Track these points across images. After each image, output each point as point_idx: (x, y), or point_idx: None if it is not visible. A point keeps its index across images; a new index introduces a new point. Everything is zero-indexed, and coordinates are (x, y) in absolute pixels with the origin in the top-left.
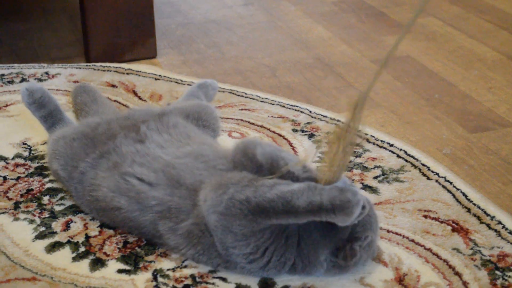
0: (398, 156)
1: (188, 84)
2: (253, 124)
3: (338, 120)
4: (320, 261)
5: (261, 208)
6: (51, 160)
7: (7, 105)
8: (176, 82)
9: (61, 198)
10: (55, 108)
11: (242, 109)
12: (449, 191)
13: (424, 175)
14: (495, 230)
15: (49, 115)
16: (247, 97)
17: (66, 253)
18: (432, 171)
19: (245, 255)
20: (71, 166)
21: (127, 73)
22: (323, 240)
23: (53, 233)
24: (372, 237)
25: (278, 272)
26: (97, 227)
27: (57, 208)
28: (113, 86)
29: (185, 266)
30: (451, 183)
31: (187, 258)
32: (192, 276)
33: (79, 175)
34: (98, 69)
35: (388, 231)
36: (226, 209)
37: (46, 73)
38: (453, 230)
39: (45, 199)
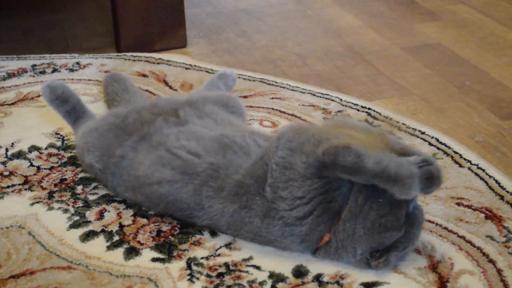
0: (430, 143)
1: None
2: (284, 112)
3: (369, 108)
4: (355, 253)
5: (332, 152)
6: (83, 153)
7: (39, 96)
8: (207, 72)
9: (95, 188)
10: (77, 103)
11: (272, 98)
12: (481, 178)
13: (457, 162)
14: None
15: (72, 110)
16: (277, 85)
17: (100, 242)
18: (464, 159)
19: (292, 199)
20: (107, 156)
21: (158, 63)
22: (367, 237)
23: (87, 222)
24: (409, 250)
25: (311, 243)
26: (131, 216)
27: (91, 198)
28: (144, 75)
29: (219, 255)
30: (483, 170)
31: (225, 225)
32: (226, 264)
33: (117, 159)
34: (129, 59)
35: None
36: (299, 145)
37: (77, 63)
38: (486, 217)
39: (79, 188)
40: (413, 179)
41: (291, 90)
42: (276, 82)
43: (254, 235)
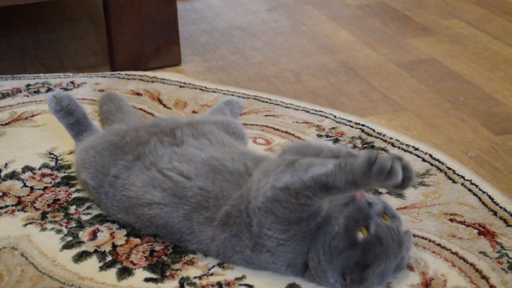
0: (424, 160)
1: (212, 91)
2: (278, 130)
3: (363, 125)
4: (328, 280)
5: (301, 194)
6: (80, 170)
7: (33, 115)
8: (201, 89)
9: (88, 208)
10: (82, 116)
11: (266, 115)
12: (475, 194)
13: (450, 178)
14: None
15: (76, 122)
16: (271, 103)
17: (93, 262)
18: (458, 174)
19: (278, 239)
20: (102, 174)
21: (152, 81)
22: (328, 263)
23: (80, 242)
24: (386, 266)
25: (297, 267)
26: (124, 236)
27: (84, 218)
28: (138, 94)
29: (212, 274)
30: (477, 186)
31: (215, 251)
32: (219, 284)
33: (111, 178)
34: (123, 78)
35: (414, 235)
36: (272, 195)
37: (72, 82)
38: (480, 233)
39: (72, 208)
40: (386, 162)
41: (285, 107)
42: (270, 100)
43: (246, 263)
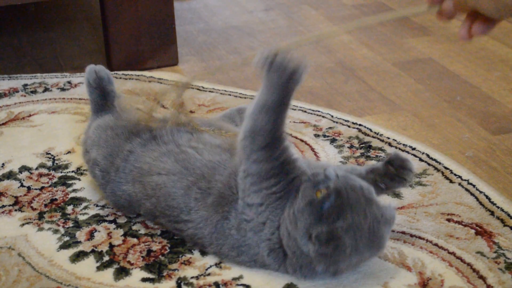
0: (421, 159)
1: (209, 91)
2: None
3: (360, 124)
4: (304, 253)
5: (258, 126)
6: (91, 147)
7: (30, 115)
8: (198, 89)
9: (85, 208)
10: (111, 97)
11: None
12: (472, 194)
13: (447, 178)
14: None
15: (103, 101)
16: None
17: (90, 262)
18: (455, 174)
19: (255, 206)
20: (115, 153)
21: (149, 81)
22: (296, 231)
23: (77, 242)
24: (354, 220)
25: (279, 257)
26: (121, 236)
27: (81, 218)
28: (135, 94)
29: (209, 274)
30: (474, 186)
31: (208, 237)
32: (216, 284)
33: (125, 153)
34: (120, 78)
35: (411, 235)
36: (241, 147)
37: (69, 82)
38: (477, 233)
39: (69, 208)
40: None
41: None
42: None
43: (235, 253)
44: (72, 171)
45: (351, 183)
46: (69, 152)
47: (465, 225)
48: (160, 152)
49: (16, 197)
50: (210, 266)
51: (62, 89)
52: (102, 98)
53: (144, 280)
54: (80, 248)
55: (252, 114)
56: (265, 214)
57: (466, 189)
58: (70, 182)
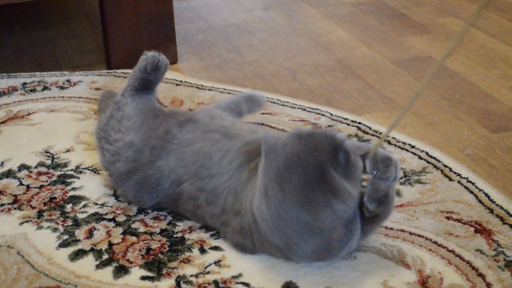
0: (420, 157)
1: (209, 89)
2: (275, 128)
3: (359, 123)
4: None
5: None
6: (129, 130)
7: (29, 114)
8: (197, 88)
9: (84, 206)
10: (156, 90)
11: (263, 113)
12: (471, 192)
13: (446, 176)
14: None
15: (151, 84)
16: (268, 101)
17: (89, 260)
18: (454, 172)
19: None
20: (152, 135)
21: None
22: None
23: (77, 241)
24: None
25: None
26: (120, 234)
27: (80, 216)
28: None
29: (208, 272)
30: (473, 184)
31: (223, 199)
32: (215, 282)
33: (162, 133)
34: (120, 76)
35: (410, 233)
36: None
37: (68, 80)
38: (476, 231)
39: (68, 207)
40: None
41: (281, 105)
42: (267, 98)
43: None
44: (71, 170)
45: (311, 132)
46: (68, 150)
47: (464, 223)
48: (204, 130)
49: (15, 196)
50: (210, 265)
51: (61, 88)
52: (151, 83)
53: (143, 278)
54: (79, 246)
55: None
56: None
57: (466, 187)
58: (69, 180)
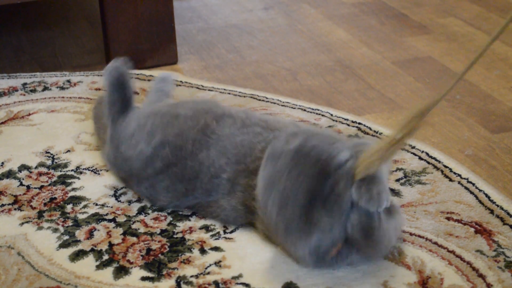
0: (420, 158)
1: (209, 90)
2: None
3: (359, 123)
4: None
5: None
6: (155, 131)
7: (29, 114)
8: (197, 88)
9: (84, 207)
10: (133, 97)
11: (263, 114)
12: (471, 192)
13: (446, 176)
14: None
15: (127, 96)
16: (268, 101)
17: (89, 261)
18: (455, 173)
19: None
20: (189, 129)
21: (149, 80)
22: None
23: (77, 241)
24: (287, 182)
25: None
26: (120, 234)
27: (80, 217)
28: (135, 93)
29: (208, 273)
30: (473, 184)
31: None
32: (216, 282)
33: (202, 126)
34: None
35: (410, 234)
36: None
37: (68, 81)
38: (476, 231)
39: (68, 207)
40: None
41: (282, 105)
42: (267, 98)
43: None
44: (72, 170)
45: (312, 148)
46: (68, 151)
47: (464, 224)
48: (242, 125)
49: (16, 196)
50: (210, 265)
51: (62, 88)
52: (127, 95)
53: (143, 279)
54: (80, 247)
55: None
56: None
57: (466, 188)
58: (69, 181)
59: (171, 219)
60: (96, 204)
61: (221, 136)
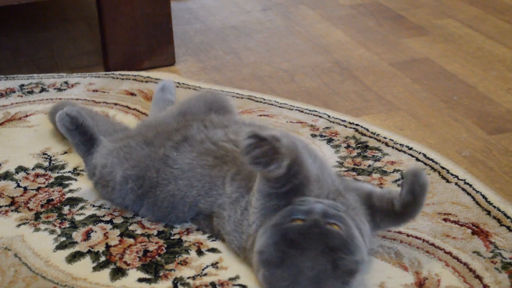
0: (417, 159)
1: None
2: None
3: (357, 124)
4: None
5: None
6: (113, 168)
7: (27, 115)
8: (195, 89)
9: (81, 208)
10: (93, 129)
11: (260, 115)
12: (468, 193)
13: (444, 178)
14: None
15: (89, 138)
16: (265, 102)
17: (86, 262)
18: (452, 174)
19: None
20: (150, 161)
21: (146, 81)
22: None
23: (74, 243)
24: (301, 262)
25: None
26: (117, 236)
27: (77, 218)
28: (132, 94)
29: (205, 274)
30: (470, 185)
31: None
32: (212, 284)
33: (162, 158)
34: (117, 78)
35: (408, 235)
36: None
37: (65, 82)
38: (473, 233)
39: (65, 209)
40: None
41: (279, 107)
42: (264, 99)
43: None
44: (69, 172)
45: (327, 228)
46: (65, 152)
47: (461, 225)
48: (198, 152)
49: (13, 198)
50: (207, 266)
51: (59, 90)
52: (89, 137)
53: (140, 280)
54: (77, 248)
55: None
56: (257, 215)
57: (463, 189)
58: (66, 182)
59: None
60: (93, 206)
61: (183, 167)
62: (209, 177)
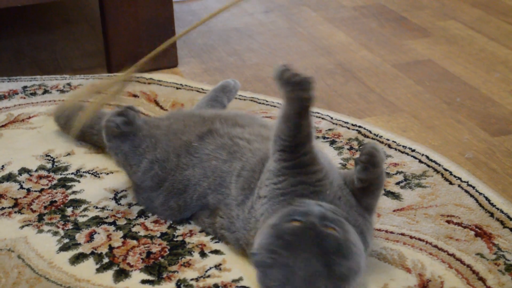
0: (420, 161)
1: None
2: None
3: (359, 126)
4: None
5: None
6: (145, 151)
7: (30, 117)
8: (197, 91)
9: (84, 210)
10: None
11: (263, 117)
12: (471, 195)
13: (447, 180)
14: None
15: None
16: (268, 104)
17: (90, 264)
18: (455, 176)
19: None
20: (175, 148)
21: (149, 83)
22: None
23: (77, 244)
24: (293, 263)
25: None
26: (121, 237)
27: (81, 220)
28: (135, 96)
29: (209, 276)
30: (473, 187)
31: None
32: (216, 286)
33: (186, 145)
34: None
35: (411, 237)
36: None
37: (68, 84)
38: (476, 235)
39: (69, 210)
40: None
41: None
42: (267, 101)
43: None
44: (72, 173)
45: (323, 231)
46: (68, 154)
47: (464, 227)
48: (216, 145)
49: (16, 199)
50: (210, 268)
51: (62, 91)
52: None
53: (143, 282)
54: (80, 250)
55: (277, 120)
56: (265, 206)
57: (466, 191)
58: (69, 184)
59: (171, 222)
60: (96, 207)
61: (202, 157)
62: (220, 171)
